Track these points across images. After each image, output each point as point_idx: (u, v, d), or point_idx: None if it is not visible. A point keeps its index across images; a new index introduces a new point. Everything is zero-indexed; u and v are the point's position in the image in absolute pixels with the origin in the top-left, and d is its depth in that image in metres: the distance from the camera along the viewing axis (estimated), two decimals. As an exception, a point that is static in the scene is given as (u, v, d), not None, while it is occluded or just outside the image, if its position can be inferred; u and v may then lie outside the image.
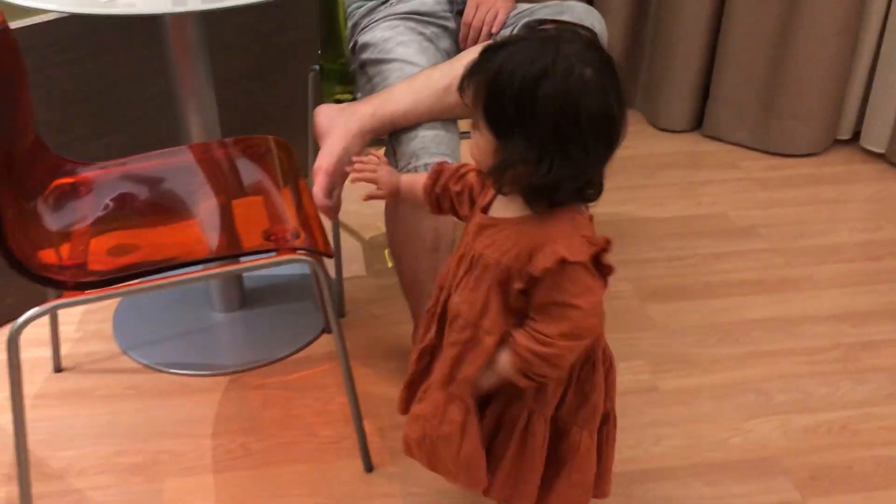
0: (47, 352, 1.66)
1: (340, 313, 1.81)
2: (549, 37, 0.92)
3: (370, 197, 1.19)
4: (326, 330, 1.76)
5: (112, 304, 1.82)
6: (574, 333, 0.94)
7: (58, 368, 1.64)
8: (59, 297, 1.16)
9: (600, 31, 1.44)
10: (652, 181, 2.38)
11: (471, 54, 1.03)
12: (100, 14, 1.22)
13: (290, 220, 1.33)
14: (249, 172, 1.47)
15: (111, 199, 1.37)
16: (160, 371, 1.64)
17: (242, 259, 1.29)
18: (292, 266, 1.94)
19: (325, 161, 1.32)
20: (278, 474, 1.42)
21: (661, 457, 1.46)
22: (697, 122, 2.70)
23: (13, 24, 1.54)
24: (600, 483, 1.13)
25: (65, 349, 1.68)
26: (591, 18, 1.45)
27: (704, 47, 2.57)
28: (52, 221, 1.29)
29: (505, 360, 0.97)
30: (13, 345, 1.13)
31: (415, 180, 1.16)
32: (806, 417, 1.54)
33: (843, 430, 1.52)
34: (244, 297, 1.82)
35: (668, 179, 2.39)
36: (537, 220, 0.94)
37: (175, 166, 1.48)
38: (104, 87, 1.77)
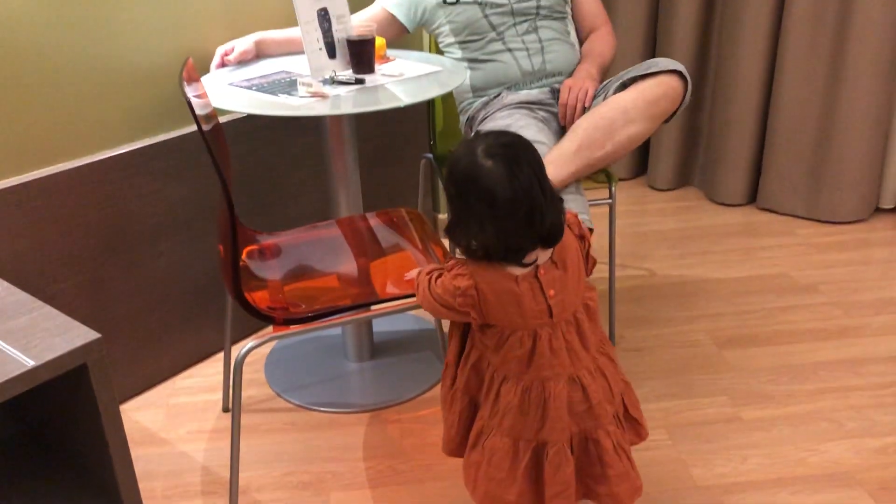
0: (214, 395, 1.98)
1: (457, 361, 2.10)
2: (478, 137, 1.21)
3: None
4: (446, 375, 2.05)
5: (262, 357, 2.13)
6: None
7: (226, 409, 1.94)
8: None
9: (685, 72, 1.79)
10: (716, 247, 2.66)
11: (580, 125, 1.62)
12: (277, 115, 1.58)
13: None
14: (394, 238, 1.80)
15: (291, 260, 1.70)
16: (311, 409, 1.94)
17: (398, 302, 1.59)
18: (412, 321, 2.25)
19: None
20: (423, 489, 1.69)
21: (749, 472, 1.70)
22: (752, 196, 3.00)
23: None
24: (611, 493, 1.31)
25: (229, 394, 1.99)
26: (675, 65, 1.78)
27: (756, 127, 2.89)
28: (255, 276, 1.62)
29: None
30: (238, 371, 1.44)
31: None
32: (874, 440, 1.77)
33: (909, 451, 1.74)
34: (374, 348, 2.13)
35: (731, 246, 2.68)
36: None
37: (334, 234, 1.81)
38: (263, 172, 2.14)
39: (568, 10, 2.06)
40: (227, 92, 1.73)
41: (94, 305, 1.85)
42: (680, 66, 1.79)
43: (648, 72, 1.78)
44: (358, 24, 1.93)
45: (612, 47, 2.04)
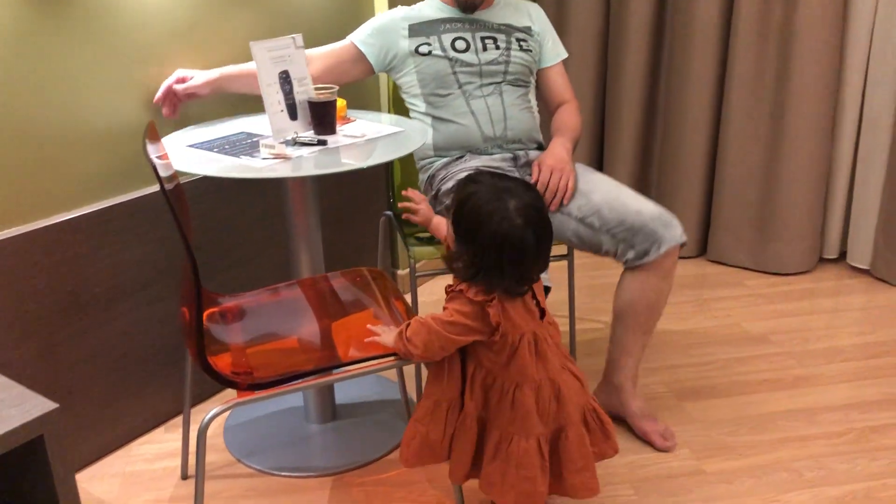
0: (172, 462, 1.92)
1: (420, 420, 2.09)
2: (505, 188, 1.37)
3: (406, 217, 1.63)
4: (410, 435, 2.02)
5: (221, 420, 2.08)
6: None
7: (184, 476, 1.88)
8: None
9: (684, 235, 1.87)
10: (671, 299, 2.71)
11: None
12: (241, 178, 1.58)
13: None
14: (357, 298, 1.79)
15: (253, 323, 1.68)
16: (272, 474, 1.89)
17: (366, 363, 1.58)
18: (374, 382, 2.23)
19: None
20: (391, 554, 1.65)
21: (716, 526, 1.71)
22: (702, 249, 3.08)
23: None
24: (566, 485, 1.48)
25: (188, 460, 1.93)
26: (679, 235, 1.84)
27: (703, 183, 2.98)
28: (217, 340, 1.59)
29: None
30: (202, 440, 1.41)
31: (440, 222, 1.61)
32: (833, 489, 1.80)
33: (867, 499, 1.77)
34: (335, 409, 2.10)
35: (685, 297, 2.74)
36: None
37: (296, 295, 1.80)
38: (222, 232, 2.12)
39: (532, 80, 2.11)
40: (188, 154, 1.72)
41: (47, 372, 1.79)
42: (682, 235, 1.83)
43: (654, 253, 1.80)
44: (322, 68, 2.02)
45: (580, 122, 2.09)
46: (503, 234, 1.34)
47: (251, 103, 2.15)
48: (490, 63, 2.01)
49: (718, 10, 2.77)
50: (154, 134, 1.52)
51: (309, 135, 1.82)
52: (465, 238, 1.39)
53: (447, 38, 2.01)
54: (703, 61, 2.82)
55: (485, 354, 1.43)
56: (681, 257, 3.04)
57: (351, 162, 1.65)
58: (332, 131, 1.85)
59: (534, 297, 1.44)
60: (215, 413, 1.41)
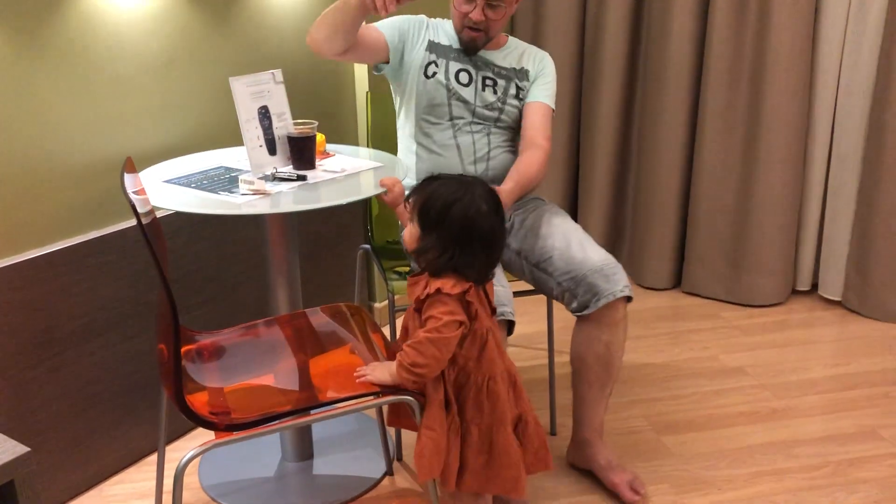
0: (145, 502, 1.87)
1: (398, 457, 2.06)
2: (467, 181, 1.48)
3: (380, 198, 1.65)
4: (388, 472, 2.00)
5: (196, 460, 2.04)
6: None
7: (158, 517, 1.84)
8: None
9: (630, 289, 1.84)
10: (647, 332, 2.73)
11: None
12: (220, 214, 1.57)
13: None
14: (336, 333, 1.78)
15: (230, 361, 1.65)
16: (249, 514, 1.86)
17: (345, 403, 1.56)
18: (352, 417, 2.20)
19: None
20: None
21: (697, 563, 1.70)
22: (677, 281, 3.11)
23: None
24: (536, 460, 1.56)
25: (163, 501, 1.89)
26: (624, 289, 1.81)
27: (677, 216, 3.02)
28: (193, 379, 1.56)
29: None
30: (179, 482, 1.38)
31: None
32: (813, 523, 1.81)
33: (845, 533, 1.78)
34: (313, 447, 2.07)
35: (661, 330, 2.75)
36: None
37: (275, 332, 1.78)
38: (197, 267, 2.09)
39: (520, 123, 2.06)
40: (165, 189, 1.70)
41: (17, 412, 1.75)
42: (624, 289, 1.78)
43: (594, 305, 1.78)
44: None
45: (541, 173, 1.96)
46: (472, 217, 1.42)
47: (228, 136, 2.14)
48: (485, 106, 1.99)
49: (691, 47, 2.82)
50: (131, 168, 1.50)
51: (288, 170, 1.81)
52: (433, 227, 1.44)
53: (453, 67, 1.99)
54: (675, 97, 2.87)
55: (458, 352, 1.47)
56: (655, 288, 3.06)
57: (332, 199, 1.64)
58: (312, 166, 1.84)
59: (486, 296, 1.52)
60: (192, 455, 1.38)
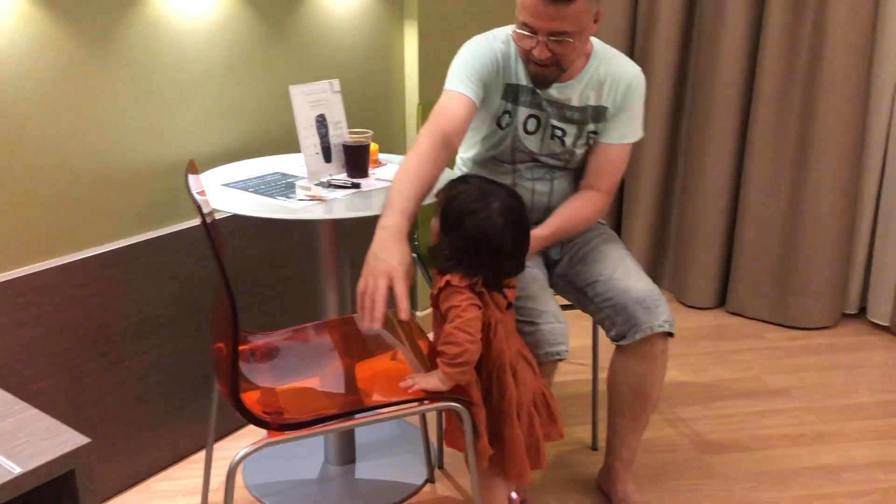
0: (191, 500, 1.91)
1: (440, 464, 2.07)
2: (490, 190, 1.50)
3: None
4: (430, 480, 2.01)
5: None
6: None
7: (204, 514, 1.88)
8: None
9: (671, 324, 1.74)
10: (690, 350, 2.71)
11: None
12: (276, 218, 1.60)
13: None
14: (384, 339, 1.80)
15: (282, 362, 1.68)
16: (292, 515, 1.88)
17: (392, 407, 1.58)
18: (394, 424, 2.22)
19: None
20: None
21: (740, 584, 1.69)
22: (721, 300, 3.08)
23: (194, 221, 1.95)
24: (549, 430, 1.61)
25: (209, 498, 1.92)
26: (665, 323, 1.72)
27: (723, 235, 3.00)
28: (247, 378, 1.60)
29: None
30: (231, 479, 1.40)
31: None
32: (859, 550, 1.78)
33: (893, 561, 1.75)
34: (356, 450, 2.09)
35: (703, 349, 2.73)
36: None
37: (324, 336, 1.81)
38: (247, 269, 2.13)
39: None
40: (224, 192, 1.74)
41: (72, 405, 1.80)
42: (664, 323, 1.69)
43: (630, 337, 1.70)
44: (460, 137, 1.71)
45: (590, 221, 1.83)
46: (483, 231, 1.46)
47: (284, 143, 2.19)
48: (550, 155, 1.81)
49: (741, 62, 2.81)
50: (194, 170, 1.55)
51: (343, 177, 1.85)
52: (449, 230, 1.49)
53: (523, 114, 1.76)
54: (724, 114, 2.85)
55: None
56: (698, 307, 3.04)
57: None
58: (365, 174, 1.87)
59: (501, 291, 1.55)
60: (246, 453, 1.41)
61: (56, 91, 1.68)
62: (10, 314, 1.65)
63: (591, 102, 1.77)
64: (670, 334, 1.71)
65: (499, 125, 1.79)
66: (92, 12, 1.71)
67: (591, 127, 1.79)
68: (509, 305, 1.59)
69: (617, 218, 3.31)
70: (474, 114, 1.71)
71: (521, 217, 1.51)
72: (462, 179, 1.56)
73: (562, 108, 1.76)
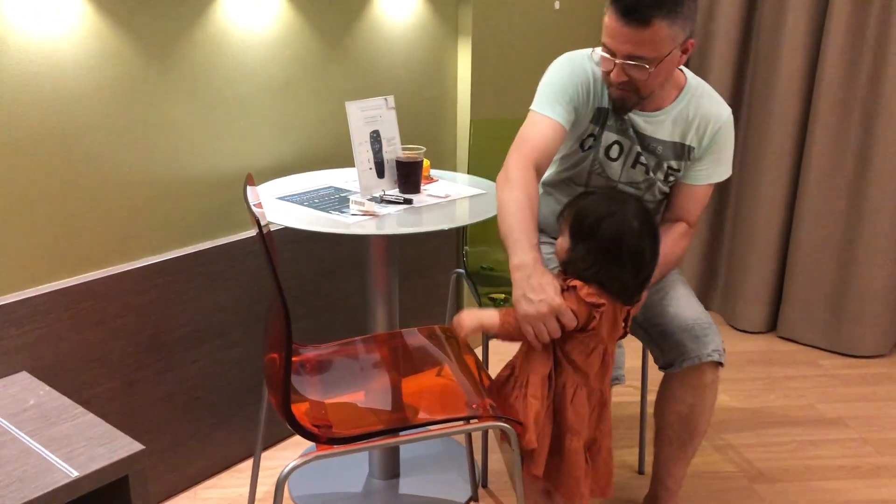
0: (237, 508, 1.93)
1: (484, 483, 2.06)
2: (622, 197, 1.46)
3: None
4: (473, 498, 2.00)
5: (283, 466, 2.09)
6: None
7: (249, 523, 1.89)
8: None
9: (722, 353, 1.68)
10: (740, 375, 2.66)
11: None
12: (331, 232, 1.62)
13: (476, 393, 1.63)
14: (432, 355, 1.80)
15: (331, 375, 1.69)
16: (336, 528, 1.88)
17: (443, 424, 1.58)
18: (439, 441, 2.22)
19: None
20: None
21: None
22: (772, 325, 3.02)
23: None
24: (597, 486, 1.53)
25: (251, 507, 1.94)
26: (716, 353, 1.66)
27: (776, 258, 2.94)
28: (296, 390, 1.61)
29: None
30: (280, 489, 1.42)
31: (494, 315, 1.52)
32: (918, 589, 1.72)
33: None
34: (400, 465, 2.09)
35: (755, 375, 2.67)
36: None
37: (372, 350, 1.82)
38: (299, 282, 2.16)
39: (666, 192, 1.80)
40: (279, 205, 1.77)
41: (125, 410, 1.83)
42: (712, 353, 1.63)
43: (678, 366, 1.66)
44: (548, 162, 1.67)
45: (682, 258, 1.78)
46: (623, 232, 1.41)
47: (337, 158, 2.21)
48: (629, 183, 1.74)
49: (799, 81, 2.76)
50: (251, 183, 1.57)
51: (395, 193, 1.86)
52: (584, 239, 1.44)
53: (607, 139, 1.70)
54: (780, 133, 2.81)
55: (561, 346, 1.46)
56: (749, 331, 2.98)
57: (435, 223, 1.67)
58: (417, 190, 1.88)
59: (626, 318, 1.48)
60: (295, 465, 1.41)
61: (120, 104, 1.72)
62: (70, 319, 1.69)
63: (677, 139, 1.70)
64: (721, 363, 1.66)
65: (581, 146, 1.73)
66: (156, 27, 1.75)
67: (672, 163, 1.72)
68: (626, 333, 1.51)
69: (667, 238, 3.27)
70: (563, 139, 1.67)
71: (653, 221, 1.47)
72: (585, 193, 1.52)
73: (645, 142, 1.70)
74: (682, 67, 1.69)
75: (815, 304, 2.87)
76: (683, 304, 1.68)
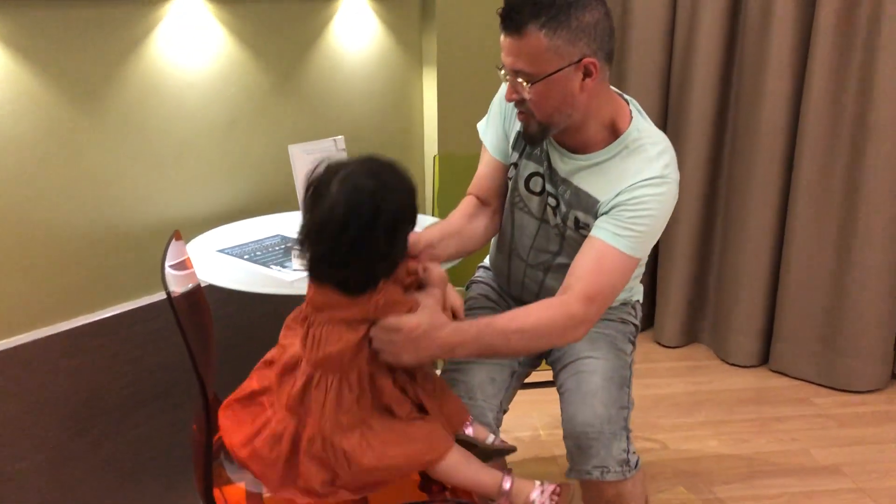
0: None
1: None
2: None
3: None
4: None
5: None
6: None
7: None
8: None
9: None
10: (730, 416, 2.51)
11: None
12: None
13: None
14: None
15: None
16: None
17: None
18: None
19: None
20: None
21: None
22: (764, 358, 2.87)
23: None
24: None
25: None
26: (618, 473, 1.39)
27: (765, 290, 2.80)
28: (228, 471, 1.46)
29: None
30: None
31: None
32: None
33: None
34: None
35: (745, 415, 2.53)
36: None
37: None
38: (246, 337, 2.02)
39: None
40: (218, 260, 1.63)
41: (56, 486, 1.69)
42: (599, 469, 1.37)
43: (569, 473, 1.41)
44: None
45: (544, 330, 1.31)
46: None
47: (289, 201, 2.08)
48: (548, 224, 1.51)
49: (786, 112, 2.63)
50: (178, 238, 1.44)
51: (344, 242, 1.72)
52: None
53: (526, 167, 1.50)
54: (767, 162, 2.68)
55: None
56: (740, 365, 2.84)
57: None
58: (370, 238, 1.74)
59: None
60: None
61: (43, 153, 1.59)
62: (-13, 391, 1.55)
63: (591, 190, 1.41)
64: (617, 479, 1.36)
65: (507, 176, 1.55)
66: (82, 69, 1.62)
67: (579, 214, 1.44)
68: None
69: (653, 267, 3.13)
70: (500, 166, 1.54)
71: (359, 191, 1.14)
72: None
73: (556, 178, 1.45)
74: (637, 110, 1.45)
75: (808, 336, 2.72)
76: (578, 405, 1.39)
